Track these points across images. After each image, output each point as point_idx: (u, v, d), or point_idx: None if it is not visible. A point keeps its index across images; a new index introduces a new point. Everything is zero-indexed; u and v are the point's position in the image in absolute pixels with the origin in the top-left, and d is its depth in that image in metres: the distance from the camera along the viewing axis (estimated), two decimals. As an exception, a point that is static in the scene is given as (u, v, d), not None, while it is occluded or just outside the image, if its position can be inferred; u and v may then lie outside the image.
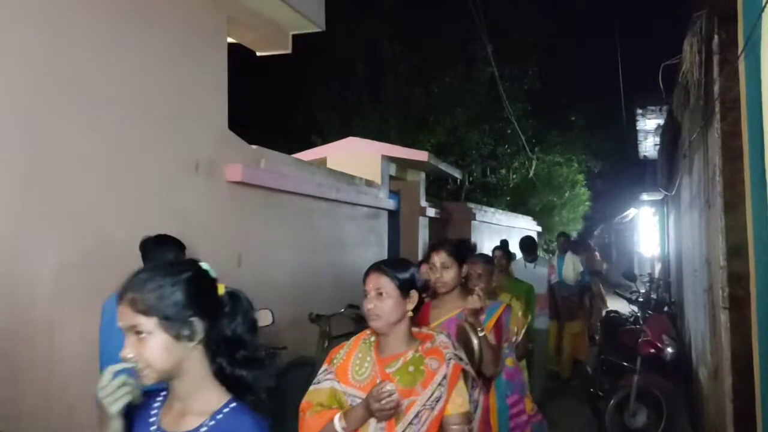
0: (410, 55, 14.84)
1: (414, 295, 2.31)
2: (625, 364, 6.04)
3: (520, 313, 3.75)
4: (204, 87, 4.58)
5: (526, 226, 15.90)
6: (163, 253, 3.43)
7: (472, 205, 12.30)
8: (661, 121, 10.60)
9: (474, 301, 2.88)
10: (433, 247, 3.28)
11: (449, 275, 3.12)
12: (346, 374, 2.31)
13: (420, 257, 9.23)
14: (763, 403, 2.72)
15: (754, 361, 2.86)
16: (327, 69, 15.37)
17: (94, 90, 3.58)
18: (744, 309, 3.06)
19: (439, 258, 3.12)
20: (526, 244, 7.76)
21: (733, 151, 3.21)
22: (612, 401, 5.80)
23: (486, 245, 10.87)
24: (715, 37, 3.49)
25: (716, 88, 3.46)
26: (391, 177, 8.66)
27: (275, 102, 16.07)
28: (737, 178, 3.12)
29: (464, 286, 3.24)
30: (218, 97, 4.73)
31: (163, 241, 3.46)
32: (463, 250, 3.25)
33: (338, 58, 15.17)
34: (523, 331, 3.70)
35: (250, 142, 5.14)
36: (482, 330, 2.89)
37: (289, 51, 5.96)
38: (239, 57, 5.79)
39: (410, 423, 2.19)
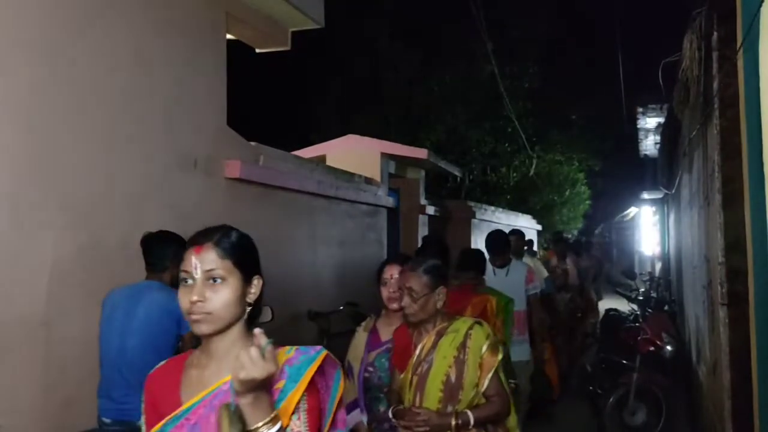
0: (410, 52, 14.83)
1: None
2: (625, 362, 6.04)
3: (484, 348, 2.61)
4: (203, 83, 4.57)
5: (526, 224, 15.89)
6: (164, 250, 3.44)
7: (472, 204, 12.28)
8: (662, 120, 10.60)
9: (248, 363, 1.35)
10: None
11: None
12: None
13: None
14: (761, 399, 2.72)
15: (752, 357, 2.86)
16: (327, 66, 15.37)
17: (91, 87, 3.57)
18: (742, 305, 3.05)
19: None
20: (495, 242, 5.44)
21: (732, 147, 3.20)
22: (611, 399, 5.80)
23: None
24: (714, 33, 3.48)
25: (715, 85, 3.45)
26: (390, 175, 8.65)
27: (275, 99, 16.08)
28: (736, 174, 3.11)
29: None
30: (217, 94, 4.73)
31: (165, 237, 3.46)
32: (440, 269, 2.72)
33: (338, 55, 15.17)
34: (490, 376, 2.60)
35: (249, 139, 5.14)
36: (273, 420, 1.41)
37: (288, 48, 5.96)
38: (239, 54, 5.79)
39: None
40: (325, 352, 1.60)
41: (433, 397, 2.60)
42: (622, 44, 14.03)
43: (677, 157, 7.61)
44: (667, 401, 5.80)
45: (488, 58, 12.45)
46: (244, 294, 1.57)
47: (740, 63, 2.89)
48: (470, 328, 2.67)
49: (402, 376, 2.72)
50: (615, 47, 13.89)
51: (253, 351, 1.38)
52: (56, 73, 3.36)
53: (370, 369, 2.94)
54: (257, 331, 1.47)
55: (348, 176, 7.12)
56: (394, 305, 2.88)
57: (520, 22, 15.83)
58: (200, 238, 1.58)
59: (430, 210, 9.84)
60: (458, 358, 2.61)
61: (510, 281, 5.18)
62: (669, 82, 5.55)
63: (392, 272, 2.95)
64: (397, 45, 14.84)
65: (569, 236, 17.90)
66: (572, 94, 17.81)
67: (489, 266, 5.19)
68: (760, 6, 2.45)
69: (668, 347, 6.00)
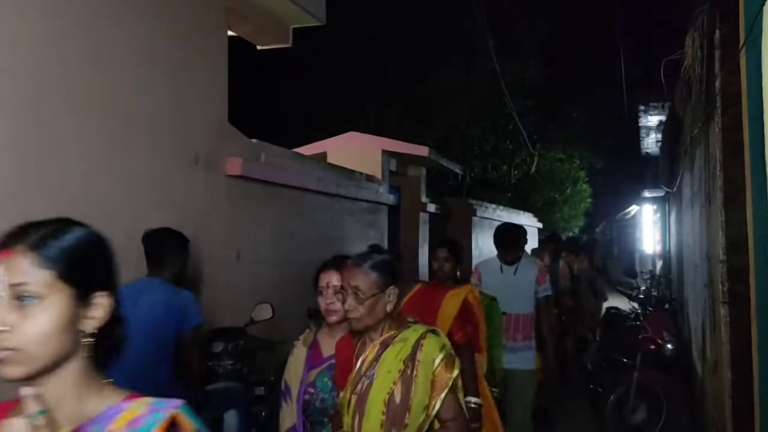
0: (411, 49, 14.82)
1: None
2: (625, 360, 6.04)
3: (437, 361, 2.19)
4: (204, 80, 4.57)
5: (527, 222, 15.89)
6: (166, 247, 3.45)
7: (473, 201, 12.28)
8: (663, 118, 10.61)
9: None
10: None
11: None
12: None
13: (420, 253, 9.23)
14: (762, 398, 2.71)
15: (753, 355, 2.86)
16: (328, 63, 15.36)
17: (92, 83, 3.57)
18: (743, 304, 3.05)
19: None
20: (504, 236, 4.93)
21: (734, 145, 3.19)
22: (612, 397, 5.81)
23: (487, 242, 10.86)
24: (717, 31, 3.47)
25: (717, 83, 3.45)
26: (391, 172, 8.64)
27: (276, 96, 16.07)
28: (738, 173, 3.11)
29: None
30: (218, 90, 4.72)
31: (167, 234, 3.47)
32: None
33: (339, 52, 15.17)
34: (444, 395, 2.18)
35: (250, 136, 5.13)
36: None
37: (289, 45, 5.95)
38: (240, 50, 5.78)
39: None
40: (176, 411, 1.14)
41: (374, 420, 2.14)
42: (624, 42, 14.04)
43: (679, 156, 7.60)
44: (668, 399, 5.80)
45: (489, 55, 12.44)
46: (75, 320, 1.10)
47: (743, 61, 2.88)
48: (422, 337, 2.22)
49: (341, 395, 2.31)
50: (617, 45, 13.88)
51: (17, 424, 0.96)
52: (57, 69, 3.35)
53: (311, 390, 2.61)
54: (25, 391, 0.99)
55: (349, 174, 7.12)
56: (334, 318, 2.57)
57: (522, 19, 15.83)
58: (9, 239, 1.11)
59: (431, 208, 9.83)
60: (405, 373, 2.16)
61: (518, 281, 4.78)
62: (671, 81, 5.54)
63: (329, 279, 2.60)
64: (398, 42, 14.83)
65: (569, 234, 17.88)
66: (574, 91, 17.81)
67: (495, 263, 4.93)
68: (763, 4, 2.44)
69: (669, 346, 6.00)
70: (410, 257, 9.06)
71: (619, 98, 18.01)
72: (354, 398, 2.21)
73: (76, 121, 3.46)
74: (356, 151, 8.29)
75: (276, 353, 4.61)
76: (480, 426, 3.18)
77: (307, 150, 8.31)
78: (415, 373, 2.15)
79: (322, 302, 2.60)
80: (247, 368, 4.11)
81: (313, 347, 2.69)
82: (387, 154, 8.47)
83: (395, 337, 2.24)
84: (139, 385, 3.27)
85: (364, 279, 2.22)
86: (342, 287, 2.30)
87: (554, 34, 16.98)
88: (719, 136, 3.39)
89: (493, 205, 13.82)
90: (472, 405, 3.11)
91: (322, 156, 8.26)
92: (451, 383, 2.17)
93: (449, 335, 3.05)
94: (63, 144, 3.38)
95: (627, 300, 8.13)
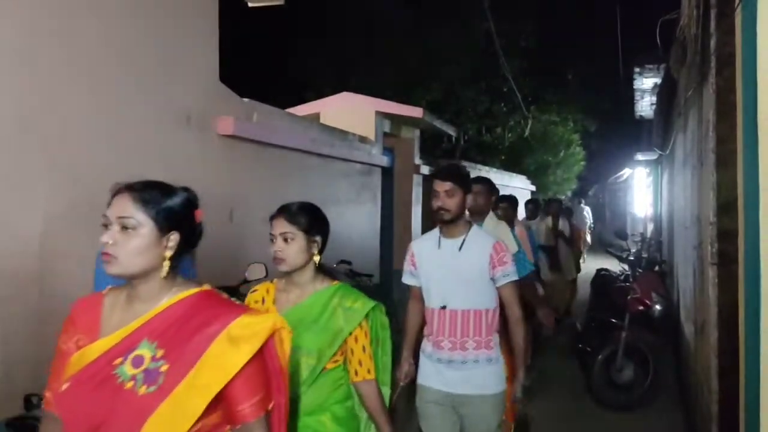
0: (406, 9, 14.62)
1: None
2: (614, 320, 6.12)
3: None
4: (195, 39, 4.50)
5: (520, 185, 15.91)
6: None
7: (466, 164, 12.26)
8: (659, 80, 10.54)
9: None
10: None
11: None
12: None
13: (413, 215, 9.24)
14: (747, 358, 2.76)
15: (740, 316, 2.90)
16: (322, 23, 15.15)
17: (84, 42, 3.52)
18: (732, 265, 3.08)
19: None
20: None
21: (727, 106, 3.18)
22: (600, 357, 5.90)
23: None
24: (713, -10, 3.43)
25: (712, 43, 3.42)
26: (385, 134, 8.60)
27: (268, 56, 15.87)
28: (730, 134, 3.11)
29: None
30: (209, 49, 4.66)
31: None
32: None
33: (333, 11, 14.95)
34: None
35: (243, 96, 5.09)
36: None
37: (281, 2, 5.85)
38: (231, 9, 5.68)
39: None
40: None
41: None
42: (621, 3, 13.88)
43: (672, 118, 7.59)
44: (655, 359, 5.90)
45: (485, 15, 12.28)
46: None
47: (738, 21, 2.86)
48: None
49: None
50: (613, 6, 13.72)
51: None
52: (49, 31, 3.30)
53: None
54: None
55: (342, 134, 7.08)
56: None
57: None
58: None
59: (425, 170, 9.82)
60: None
61: (464, 261, 3.10)
62: (667, 42, 5.50)
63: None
64: (392, 1, 14.61)
65: (561, 197, 17.87)
66: (569, 53, 17.68)
67: (434, 237, 3.24)
68: (761, -38, 2.41)
69: (657, 306, 6.08)
70: (403, 220, 9.08)
71: (615, 61, 17.90)
72: None
73: (67, 81, 3.41)
74: (350, 112, 8.24)
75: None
76: None
77: (300, 110, 8.25)
78: None
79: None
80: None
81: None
82: (381, 115, 8.41)
83: None
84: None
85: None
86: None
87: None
88: (713, 97, 3.37)
89: (487, 168, 13.81)
90: None
91: (315, 117, 8.20)
92: None
93: (228, 402, 1.59)
94: (54, 104, 3.34)
95: (617, 261, 8.20)
